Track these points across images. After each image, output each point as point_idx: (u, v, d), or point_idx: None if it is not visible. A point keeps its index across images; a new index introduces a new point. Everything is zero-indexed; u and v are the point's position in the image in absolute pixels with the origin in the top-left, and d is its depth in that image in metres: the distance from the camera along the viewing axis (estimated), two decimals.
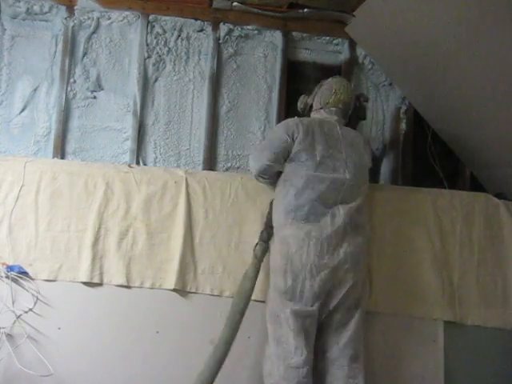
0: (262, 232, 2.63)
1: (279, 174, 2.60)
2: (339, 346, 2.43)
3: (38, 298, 2.52)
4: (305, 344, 2.36)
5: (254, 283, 2.54)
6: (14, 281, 2.49)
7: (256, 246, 2.61)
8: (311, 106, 2.79)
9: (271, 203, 2.63)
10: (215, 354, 2.45)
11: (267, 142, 2.63)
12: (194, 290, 2.63)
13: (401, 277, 2.77)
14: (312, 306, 2.39)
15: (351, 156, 2.55)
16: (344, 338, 2.44)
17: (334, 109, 2.68)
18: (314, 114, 2.74)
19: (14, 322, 2.47)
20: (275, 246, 2.52)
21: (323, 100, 2.71)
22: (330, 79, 2.76)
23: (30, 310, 2.50)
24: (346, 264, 2.41)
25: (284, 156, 2.54)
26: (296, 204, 2.46)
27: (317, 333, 2.45)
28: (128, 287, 2.60)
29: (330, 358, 2.44)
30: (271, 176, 2.62)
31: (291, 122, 2.59)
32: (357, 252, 2.45)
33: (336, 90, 2.70)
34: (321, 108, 2.71)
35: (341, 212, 2.44)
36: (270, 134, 2.85)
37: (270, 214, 2.62)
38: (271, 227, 2.59)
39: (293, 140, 2.52)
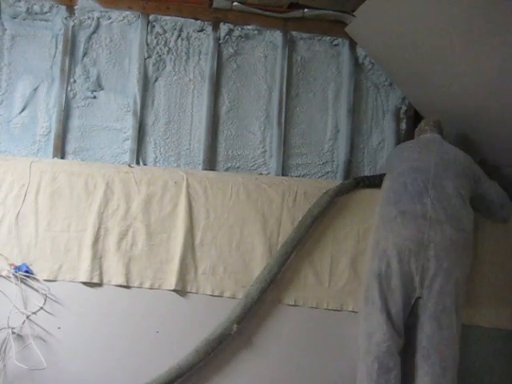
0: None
1: None
2: (431, 345, 2.46)
3: (46, 297, 2.52)
4: (386, 321, 2.44)
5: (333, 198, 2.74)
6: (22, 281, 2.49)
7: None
8: None
9: None
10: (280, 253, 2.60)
11: None
12: (194, 291, 2.62)
13: None
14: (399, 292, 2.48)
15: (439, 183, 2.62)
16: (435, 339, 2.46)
17: (427, 127, 2.90)
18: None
19: (24, 322, 2.46)
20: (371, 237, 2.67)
21: (418, 130, 2.98)
22: None
23: (34, 313, 2.50)
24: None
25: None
26: (387, 210, 2.62)
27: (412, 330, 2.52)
28: (127, 287, 2.59)
29: (420, 356, 2.47)
30: None
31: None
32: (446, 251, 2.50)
33: (426, 120, 2.97)
34: (419, 135, 2.95)
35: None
36: None
37: None
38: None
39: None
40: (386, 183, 2.75)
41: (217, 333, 2.49)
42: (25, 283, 2.50)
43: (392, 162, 2.84)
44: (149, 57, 3.13)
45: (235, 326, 2.50)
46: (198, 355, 2.47)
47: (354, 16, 3.13)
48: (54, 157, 2.96)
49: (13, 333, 2.42)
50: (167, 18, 3.15)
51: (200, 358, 2.47)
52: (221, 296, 2.63)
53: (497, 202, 2.78)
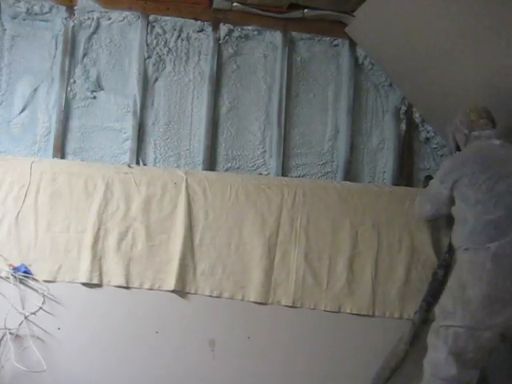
0: (422, 300, 2.69)
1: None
2: None
3: (45, 298, 2.53)
4: (456, 365, 2.32)
5: (408, 347, 2.63)
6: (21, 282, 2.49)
7: (415, 313, 2.68)
8: (458, 146, 2.69)
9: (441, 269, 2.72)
10: None
11: (428, 192, 2.68)
12: (193, 291, 2.63)
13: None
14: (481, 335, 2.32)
15: None
16: None
17: (482, 120, 2.58)
18: (468, 145, 2.61)
19: (22, 322, 2.47)
20: (454, 269, 2.52)
21: (467, 123, 2.61)
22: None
23: (33, 313, 2.51)
24: None
25: (446, 205, 2.56)
26: (470, 237, 2.40)
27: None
28: (127, 288, 2.60)
29: None
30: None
31: (447, 163, 2.61)
32: None
33: (470, 108, 2.64)
34: (471, 131, 2.59)
35: None
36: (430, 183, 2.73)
37: (433, 287, 2.69)
38: (432, 296, 2.65)
39: (451, 187, 2.49)
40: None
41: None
42: (24, 284, 2.51)
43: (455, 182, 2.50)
44: (149, 57, 3.13)
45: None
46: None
47: (353, 16, 3.13)
48: (54, 157, 2.96)
49: (11, 334, 2.43)
50: (167, 18, 3.15)
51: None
52: (219, 297, 2.64)
53: None
